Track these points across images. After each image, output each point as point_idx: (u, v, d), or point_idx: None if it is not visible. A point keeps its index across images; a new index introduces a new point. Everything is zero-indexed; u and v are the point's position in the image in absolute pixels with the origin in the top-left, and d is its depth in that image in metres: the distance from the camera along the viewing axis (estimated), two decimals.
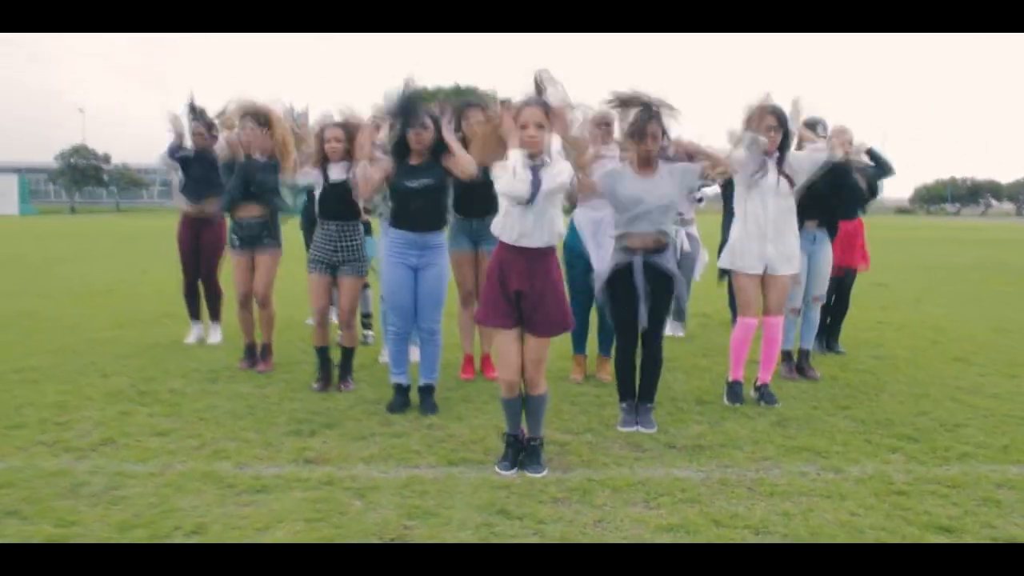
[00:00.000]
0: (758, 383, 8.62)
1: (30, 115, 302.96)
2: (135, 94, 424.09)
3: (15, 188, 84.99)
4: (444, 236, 8.32)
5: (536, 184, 6.13)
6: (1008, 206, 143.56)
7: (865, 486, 6.18)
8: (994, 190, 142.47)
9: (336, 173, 8.69)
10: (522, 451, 6.55)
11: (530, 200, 6.14)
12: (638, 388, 7.76)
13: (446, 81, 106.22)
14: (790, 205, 8.50)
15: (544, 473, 6.34)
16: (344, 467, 6.48)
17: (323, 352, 8.99)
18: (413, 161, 8.08)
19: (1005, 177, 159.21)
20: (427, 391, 8.22)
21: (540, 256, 6.36)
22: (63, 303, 15.22)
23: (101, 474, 6.24)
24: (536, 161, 6.20)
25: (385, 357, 9.72)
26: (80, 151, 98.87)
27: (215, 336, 11.65)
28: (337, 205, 8.73)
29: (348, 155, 8.65)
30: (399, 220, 8.10)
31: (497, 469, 6.37)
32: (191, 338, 11.59)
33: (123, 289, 17.58)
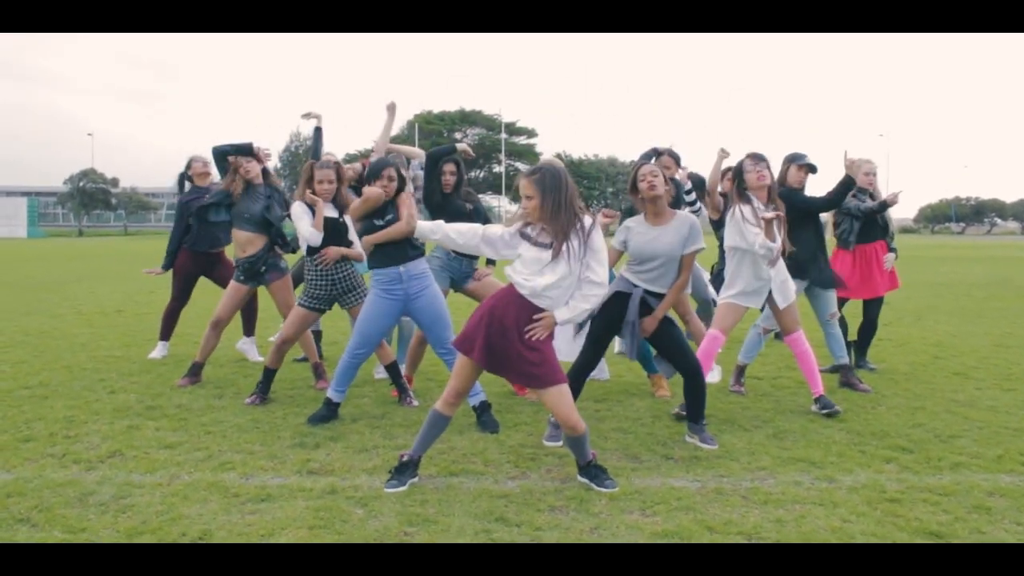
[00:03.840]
0: (815, 395, 8.76)
1: (40, 139, 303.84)
2: (144, 119, 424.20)
3: (24, 211, 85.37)
4: (425, 263, 8.32)
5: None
6: (1013, 224, 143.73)
7: (858, 494, 6.27)
8: (998, 209, 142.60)
9: (326, 211, 8.85)
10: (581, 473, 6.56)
11: None
12: (687, 410, 7.80)
13: (451, 105, 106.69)
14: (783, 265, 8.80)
15: (616, 488, 6.37)
16: (347, 478, 6.58)
17: (272, 373, 9.18)
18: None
19: (1009, 196, 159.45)
20: (485, 408, 8.24)
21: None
22: (73, 323, 15.36)
23: (109, 484, 6.35)
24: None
25: (381, 373, 9.90)
26: (89, 175, 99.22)
27: (253, 353, 11.83)
28: (329, 241, 8.86)
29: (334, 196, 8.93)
30: (376, 259, 8.13)
31: (386, 489, 6.31)
32: (155, 354, 11.78)
33: (132, 309, 17.69)
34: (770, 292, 8.66)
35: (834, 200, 9.49)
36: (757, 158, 8.60)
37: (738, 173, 8.69)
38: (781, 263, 8.62)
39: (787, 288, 8.69)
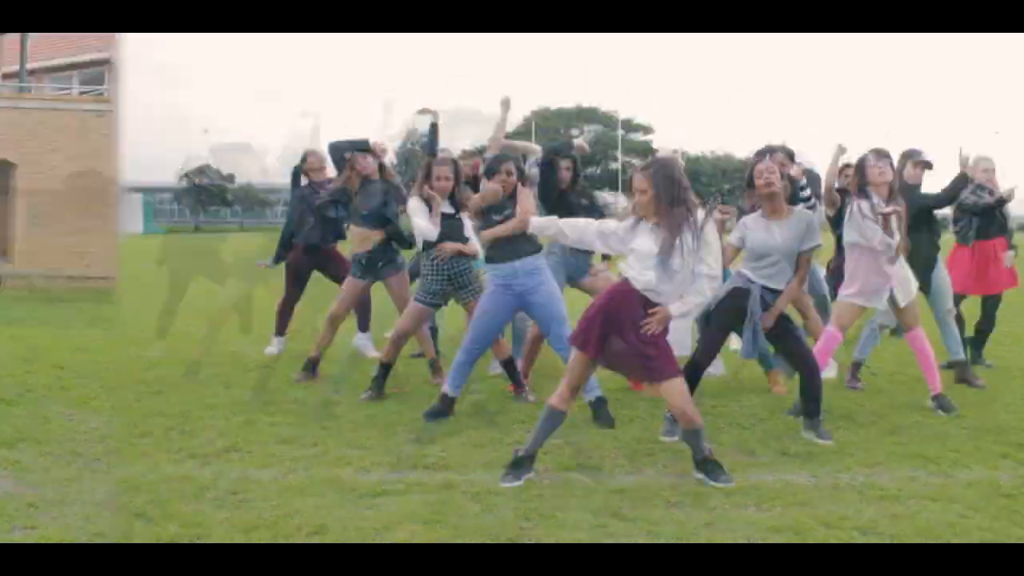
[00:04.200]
0: (933, 394, 8.65)
1: (156, 136, 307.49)
2: (261, 115, 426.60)
3: (139, 207, 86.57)
4: (542, 259, 8.28)
5: None
6: None
7: (973, 490, 6.20)
8: None
9: (443, 207, 8.84)
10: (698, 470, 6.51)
11: None
12: (803, 406, 7.75)
13: (568, 101, 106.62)
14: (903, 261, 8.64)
15: (731, 483, 6.33)
16: (463, 472, 6.62)
17: (388, 368, 9.15)
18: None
19: None
20: (601, 403, 8.20)
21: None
22: (188, 319, 15.43)
23: (225, 479, 6.45)
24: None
25: (497, 368, 9.83)
26: (205, 171, 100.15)
27: (369, 349, 11.85)
28: (446, 237, 8.82)
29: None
30: (492, 255, 8.15)
31: (501, 484, 6.31)
32: (271, 349, 11.79)
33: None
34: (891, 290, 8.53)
35: (948, 197, 9.37)
36: (880, 154, 8.47)
37: (860, 168, 8.58)
38: (902, 260, 8.49)
39: (908, 285, 8.56)
